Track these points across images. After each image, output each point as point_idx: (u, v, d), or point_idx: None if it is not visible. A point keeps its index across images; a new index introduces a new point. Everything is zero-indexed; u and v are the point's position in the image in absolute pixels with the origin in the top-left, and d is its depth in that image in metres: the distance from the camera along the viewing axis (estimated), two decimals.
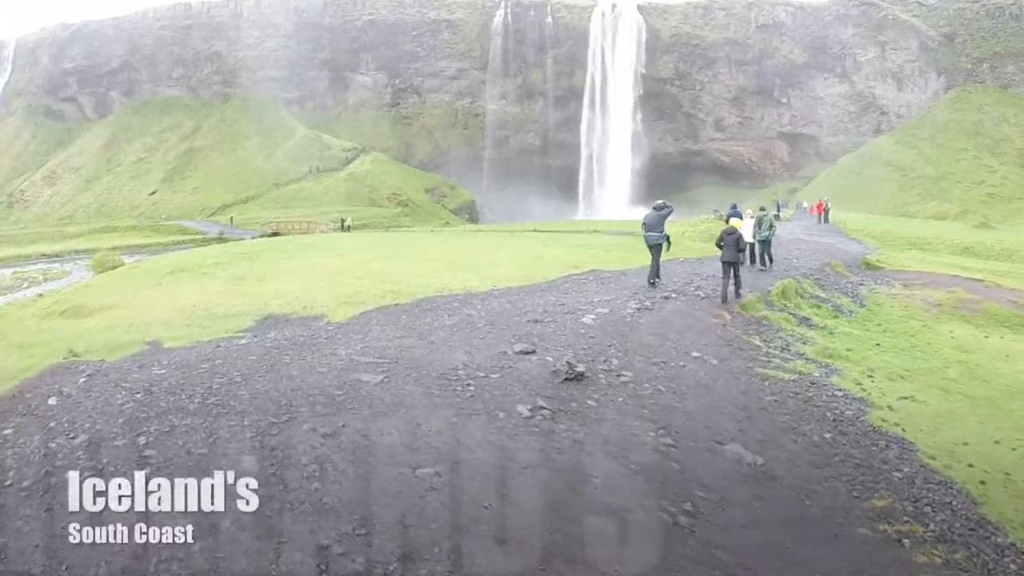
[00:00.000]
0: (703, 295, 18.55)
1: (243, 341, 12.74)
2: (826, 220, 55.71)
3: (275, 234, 67.03)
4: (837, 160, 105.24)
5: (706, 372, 12.24)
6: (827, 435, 10.12)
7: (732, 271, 18.15)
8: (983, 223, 59.60)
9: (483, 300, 17.20)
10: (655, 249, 19.60)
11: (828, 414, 10.90)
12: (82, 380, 10.42)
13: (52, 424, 8.56)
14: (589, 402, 10.27)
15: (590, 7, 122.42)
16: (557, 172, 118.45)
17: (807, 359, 14.00)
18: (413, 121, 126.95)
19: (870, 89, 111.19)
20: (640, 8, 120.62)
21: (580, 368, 11.34)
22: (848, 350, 15.16)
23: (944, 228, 55.36)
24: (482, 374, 10.79)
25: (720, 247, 18.27)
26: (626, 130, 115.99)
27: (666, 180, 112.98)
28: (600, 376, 11.41)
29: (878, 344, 16.23)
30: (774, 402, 11.22)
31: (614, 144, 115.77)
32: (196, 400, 9.24)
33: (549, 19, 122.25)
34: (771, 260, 24.89)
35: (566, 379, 11.00)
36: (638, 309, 16.28)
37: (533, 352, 12.24)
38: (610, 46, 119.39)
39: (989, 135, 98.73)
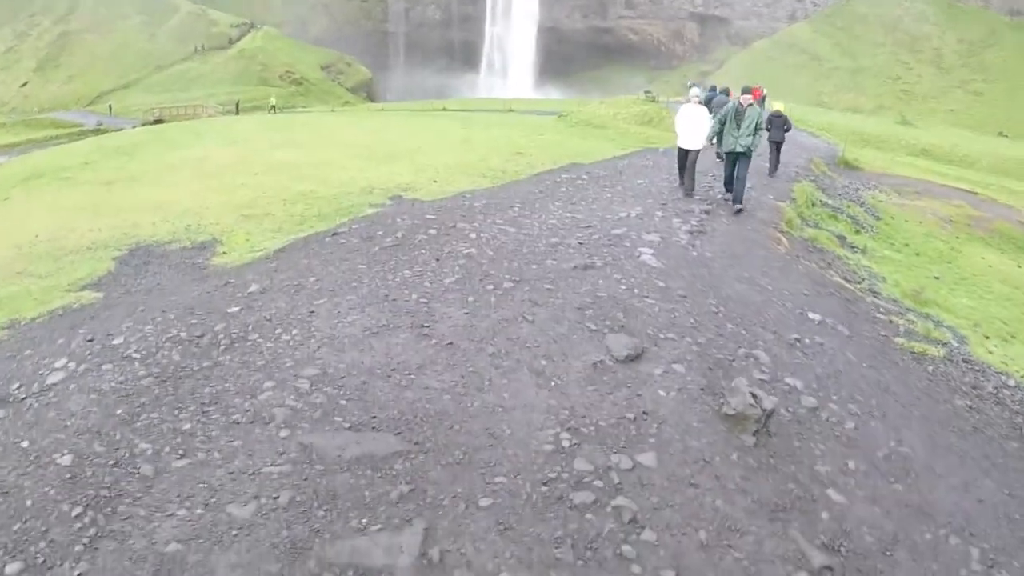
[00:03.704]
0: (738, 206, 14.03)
1: (63, 383, 5.66)
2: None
3: (158, 121, 57.31)
4: (748, 44, 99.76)
5: (856, 355, 7.92)
6: None
7: (776, 148, 18.92)
8: (904, 121, 56.09)
9: (466, 217, 10.89)
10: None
11: None
12: None
13: None
14: (832, 494, 4.96)
15: None
16: (460, 48, 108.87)
17: (908, 310, 10.76)
18: None
19: None
20: None
21: (768, 404, 5.48)
22: (924, 290, 12.46)
23: (886, 126, 51.37)
24: (625, 464, 4.73)
25: (768, 128, 18.26)
26: (532, 3, 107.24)
27: (572, 58, 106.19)
28: (777, 403, 5.87)
29: (937, 277, 13.94)
30: (971, 411, 7.24)
31: (518, 18, 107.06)
32: None
33: None
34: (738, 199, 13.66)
35: (756, 432, 5.29)
36: (691, 233, 11.14)
37: (641, 355, 6.17)
38: None
39: (907, 32, 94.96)
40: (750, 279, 9.51)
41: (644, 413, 5.23)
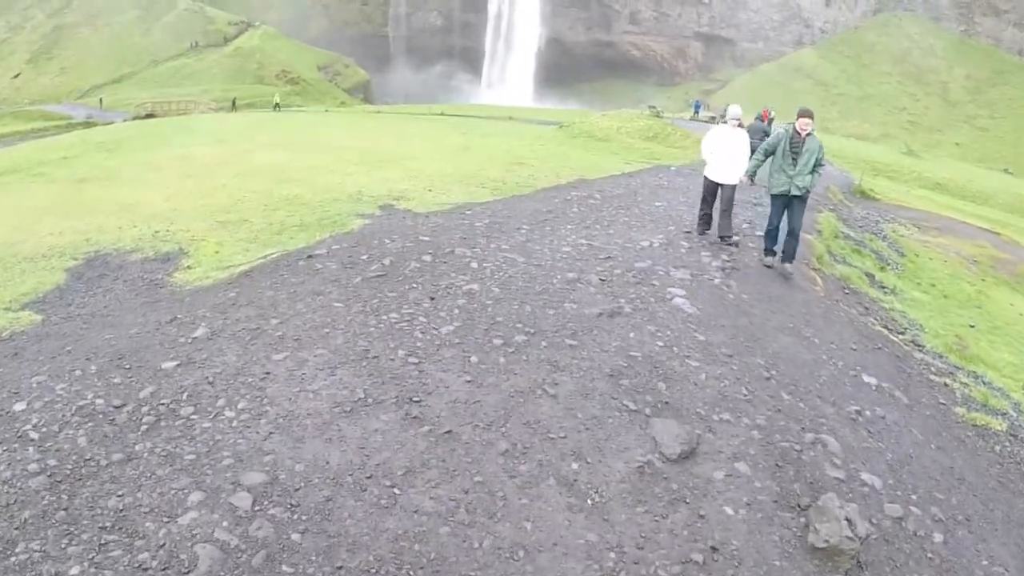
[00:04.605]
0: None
1: None
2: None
3: (149, 116, 55.86)
4: (753, 67, 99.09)
5: (921, 431, 6.78)
6: None
7: None
8: (909, 151, 55.18)
9: (466, 240, 9.40)
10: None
11: None
12: None
13: None
14: None
15: None
16: (460, 54, 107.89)
17: (956, 368, 9.44)
18: None
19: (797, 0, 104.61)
20: None
21: (862, 530, 4.18)
22: (966, 343, 11.13)
23: (895, 156, 50.15)
24: None
25: None
26: (535, 14, 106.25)
27: (574, 71, 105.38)
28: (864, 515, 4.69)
29: (972, 326, 12.46)
30: None
31: (521, 28, 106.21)
32: None
33: None
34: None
35: (849, 569, 4.08)
36: (723, 270, 9.63)
37: (696, 449, 4.75)
38: None
39: (915, 64, 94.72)
40: (795, 330, 8.18)
41: (713, 549, 3.82)
